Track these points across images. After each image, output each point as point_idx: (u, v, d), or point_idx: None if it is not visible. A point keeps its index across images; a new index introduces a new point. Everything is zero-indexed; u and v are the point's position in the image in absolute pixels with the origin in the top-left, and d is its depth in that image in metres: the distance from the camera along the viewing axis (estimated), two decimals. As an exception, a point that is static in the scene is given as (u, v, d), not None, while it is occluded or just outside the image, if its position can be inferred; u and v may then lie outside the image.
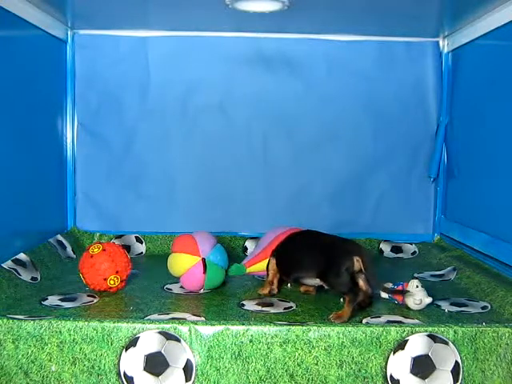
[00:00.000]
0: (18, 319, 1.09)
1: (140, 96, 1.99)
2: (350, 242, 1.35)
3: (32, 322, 1.09)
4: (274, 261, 1.47)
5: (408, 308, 1.33)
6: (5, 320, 1.09)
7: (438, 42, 1.99)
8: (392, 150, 2.02)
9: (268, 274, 1.48)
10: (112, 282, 1.41)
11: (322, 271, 1.32)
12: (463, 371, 1.08)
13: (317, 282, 1.37)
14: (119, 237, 1.99)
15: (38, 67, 1.70)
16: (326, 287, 1.35)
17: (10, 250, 1.49)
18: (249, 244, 1.97)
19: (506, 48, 1.55)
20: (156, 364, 1.07)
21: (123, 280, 1.44)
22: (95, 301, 1.38)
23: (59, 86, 1.92)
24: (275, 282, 1.47)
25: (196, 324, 1.09)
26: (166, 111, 2.00)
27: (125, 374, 1.07)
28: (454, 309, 1.35)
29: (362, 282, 1.28)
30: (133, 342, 1.08)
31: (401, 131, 2.01)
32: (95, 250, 1.42)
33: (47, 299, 1.37)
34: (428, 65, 1.99)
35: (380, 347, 1.08)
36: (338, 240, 1.36)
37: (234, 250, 1.94)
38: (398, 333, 1.08)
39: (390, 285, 1.40)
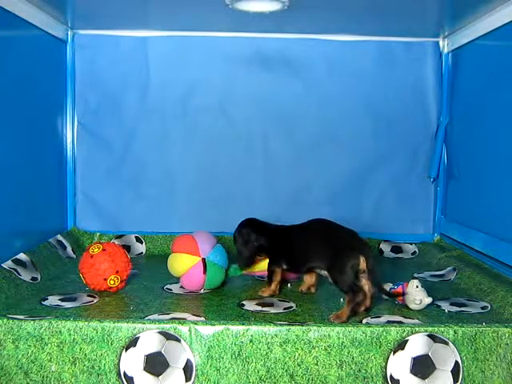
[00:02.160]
0: (18, 319, 1.09)
1: (140, 96, 1.99)
2: (357, 238, 1.34)
3: (32, 321, 1.09)
4: (278, 270, 1.46)
5: (408, 308, 1.33)
6: (5, 320, 1.09)
7: (437, 42, 1.99)
8: (392, 150, 2.02)
9: (270, 283, 1.46)
10: (112, 282, 1.41)
11: (329, 265, 1.31)
12: (463, 371, 1.08)
13: (326, 273, 1.36)
14: (119, 237, 1.99)
15: (38, 67, 1.70)
16: (330, 281, 1.35)
17: (10, 250, 1.49)
18: (249, 244, 1.97)
19: (506, 48, 1.55)
20: (156, 364, 1.07)
21: (123, 280, 1.44)
22: (95, 301, 1.38)
23: (59, 86, 1.92)
24: (277, 289, 1.47)
25: (196, 324, 1.09)
26: (166, 111, 2.00)
27: (125, 374, 1.07)
28: (454, 309, 1.35)
29: (364, 281, 1.28)
30: (133, 342, 1.08)
31: (401, 131, 2.01)
32: (95, 250, 1.42)
33: (47, 299, 1.37)
34: (428, 65, 1.99)
35: (380, 347, 1.08)
36: (347, 235, 1.35)
37: (234, 250, 1.93)
38: (398, 333, 1.08)
39: (389, 285, 1.40)
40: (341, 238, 1.34)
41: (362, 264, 1.26)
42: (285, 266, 1.46)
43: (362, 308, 1.30)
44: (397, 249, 2.00)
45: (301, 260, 1.41)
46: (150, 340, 1.08)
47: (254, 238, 1.48)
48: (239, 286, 1.55)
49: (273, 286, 1.46)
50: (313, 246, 1.37)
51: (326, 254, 1.32)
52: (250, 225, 1.51)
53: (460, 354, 1.08)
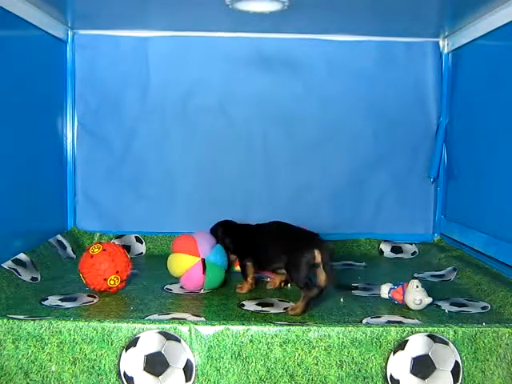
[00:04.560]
0: (18, 319, 1.09)
1: (140, 96, 1.99)
2: (312, 235, 1.36)
3: (32, 321, 1.09)
4: (250, 263, 1.50)
5: (408, 308, 1.34)
6: (5, 320, 1.09)
7: (438, 43, 1.99)
8: (392, 150, 2.02)
9: (246, 278, 1.50)
10: (112, 282, 1.41)
11: (286, 263, 1.35)
12: (463, 371, 1.08)
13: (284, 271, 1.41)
14: (119, 237, 1.99)
15: (37, 67, 1.70)
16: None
17: (10, 250, 1.49)
18: (249, 244, 1.97)
19: (506, 48, 1.55)
20: (156, 364, 1.07)
21: (123, 280, 1.44)
22: (95, 301, 1.38)
23: (59, 86, 1.92)
24: (253, 282, 1.51)
25: (196, 324, 1.09)
26: (166, 111, 2.00)
27: (125, 374, 1.07)
28: (454, 309, 1.35)
29: (319, 273, 1.31)
30: (133, 342, 1.08)
31: (401, 131, 2.01)
32: (95, 250, 1.42)
33: (47, 299, 1.37)
34: (428, 65, 1.99)
35: (380, 347, 1.08)
36: (303, 233, 1.39)
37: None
38: (397, 333, 1.08)
39: (389, 285, 1.40)
40: (296, 236, 1.38)
41: (317, 257, 1.29)
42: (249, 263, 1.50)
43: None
44: (397, 249, 2.00)
45: (265, 261, 1.46)
46: (150, 340, 1.08)
47: (221, 235, 1.55)
48: (239, 286, 1.55)
49: (249, 279, 1.50)
50: (273, 247, 1.42)
51: (283, 253, 1.36)
52: (221, 225, 1.59)
53: (460, 354, 1.09)
